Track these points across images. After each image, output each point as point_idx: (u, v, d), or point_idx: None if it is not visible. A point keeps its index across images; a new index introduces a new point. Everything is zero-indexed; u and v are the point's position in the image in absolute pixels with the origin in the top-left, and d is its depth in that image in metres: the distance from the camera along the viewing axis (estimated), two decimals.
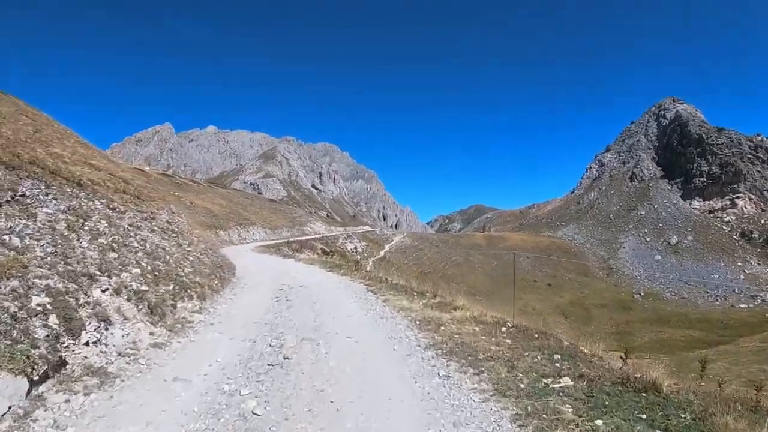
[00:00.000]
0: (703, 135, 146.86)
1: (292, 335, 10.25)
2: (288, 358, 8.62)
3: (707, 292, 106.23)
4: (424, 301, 14.15)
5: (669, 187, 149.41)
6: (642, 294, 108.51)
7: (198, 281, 14.59)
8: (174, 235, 19.01)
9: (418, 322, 11.50)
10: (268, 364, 8.29)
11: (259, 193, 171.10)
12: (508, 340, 9.33)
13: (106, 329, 8.70)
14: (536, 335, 9.93)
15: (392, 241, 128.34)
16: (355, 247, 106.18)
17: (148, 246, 14.50)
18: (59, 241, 10.06)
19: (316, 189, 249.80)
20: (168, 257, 14.95)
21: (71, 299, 8.39)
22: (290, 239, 69.56)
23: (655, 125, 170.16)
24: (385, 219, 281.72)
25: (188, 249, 18.37)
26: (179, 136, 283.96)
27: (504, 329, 10.58)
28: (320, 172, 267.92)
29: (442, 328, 10.72)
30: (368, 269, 35.92)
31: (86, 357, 7.71)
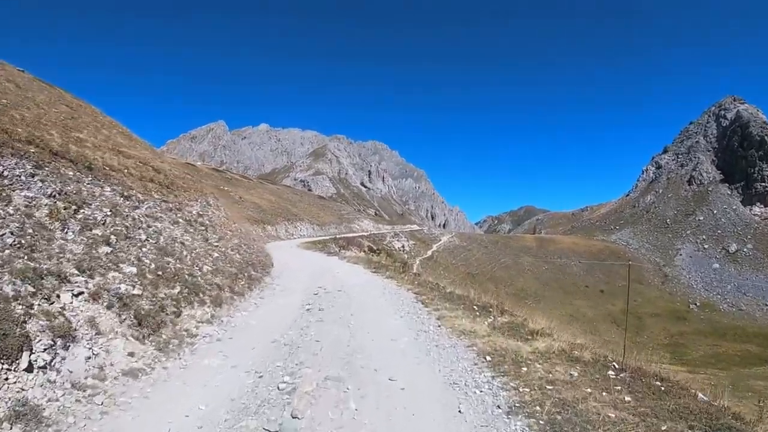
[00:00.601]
0: (765, 137, 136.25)
1: (314, 369, 7.64)
2: (297, 417, 5.83)
3: (766, 305, 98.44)
4: (490, 320, 11.04)
5: (729, 192, 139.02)
6: (698, 304, 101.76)
7: (217, 282, 12.33)
8: (202, 228, 16.88)
9: (488, 358, 8.38)
10: (265, 430, 5.66)
11: (309, 190, 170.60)
12: (627, 398, 6.26)
13: (65, 348, 6.40)
14: (662, 387, 6.90)
15: (440, 240, 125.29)
16: (403, 246, 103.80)
17: (162, 239, 12.34)
18: (30, 231, 7.90)
19: (365, 187, 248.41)
20: (185, 253, 12.77)
21: (18, 307, 6.08)
22: (337, 236, 68.12)
23: (714, 126, 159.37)
24: (433, 218, 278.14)
25: (216, 244, 16.17)
26: (232, 134, 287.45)
27: (611, 373, 7.67)
28: (369, 170, 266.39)
29: (524, 369, 7.74)
30: (416, 271, 33.26)
31: (22, 389, 5.46)
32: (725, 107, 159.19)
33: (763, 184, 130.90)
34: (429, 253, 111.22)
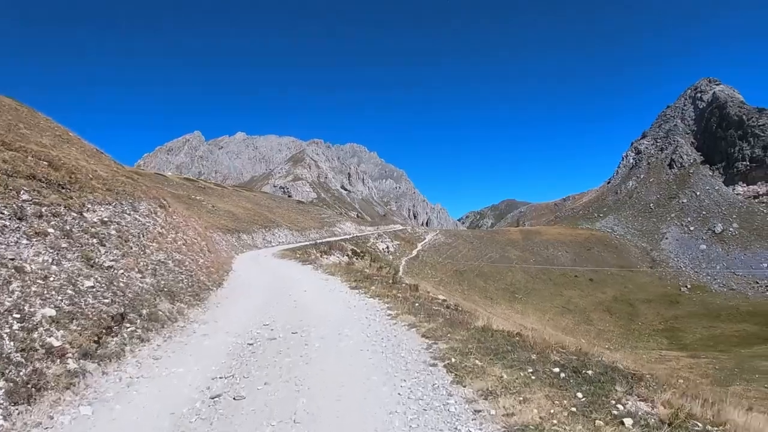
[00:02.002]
0: (744, 116, 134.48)
1: None
2: None
3: (756, 283, 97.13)
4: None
5: (710, 173, 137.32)
6: (688, 287, 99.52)
7: (47, 341, 6.45)
8: (94, 240, 11.22)
9: None
10: None
11: (289, 196, 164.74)
12: None
13: None
14: None
15: (425, 239, 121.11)
16: (387, 247, 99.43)
17: None
18: None
19: (346, 190, 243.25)
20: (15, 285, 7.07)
21: None
22: (318, 241, 64.02)
23: (691, 108, 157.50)
24: (415, 217, 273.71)
25: (109, 264, 10.52)
26: (209, 144, 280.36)
27: None
28: (349, 173, 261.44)
29: None
30: (410, 282, 27.77)
31: None
32: (701, 89, 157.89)
33: (744, 163, 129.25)
34: (414, 252, 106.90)
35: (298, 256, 36.54)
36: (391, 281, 16.21)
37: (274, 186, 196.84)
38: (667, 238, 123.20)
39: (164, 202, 24.74)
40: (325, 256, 53.26)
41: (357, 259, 65.92)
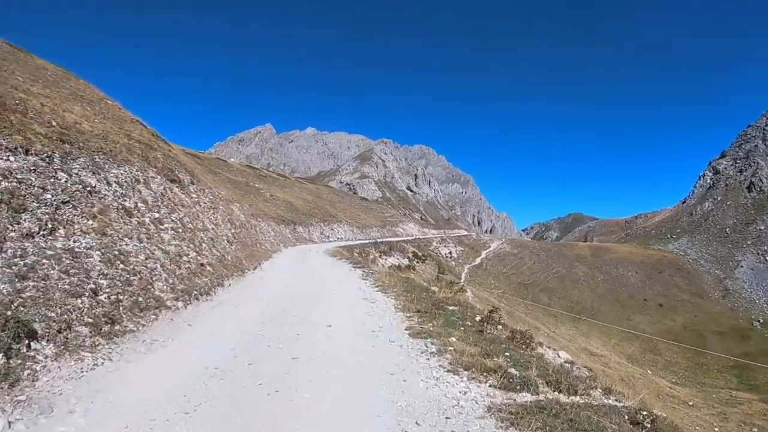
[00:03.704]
0: None
1: None
2: None
3: None
4: None
5: None
6: (761, 321, 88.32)
7: None
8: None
9: None
10: None
11: (355, 193, 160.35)
12: None
13: None
14: None
15: (490, 247, 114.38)
16: (450, 252, 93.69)
17: None
18: None
19: (411, 191, 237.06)
20: None
21: None
22: (378, 240, 60.18)
23: None
24: (479, 224, 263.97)
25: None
26: (280, 137, 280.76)
27: None
28: (415, 175, 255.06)
29: None
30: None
31: None
32: None
33: None
34: (478, 260, 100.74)
35: (351, 256, 31.01)
36: (481, 321, 9.67)
37: (341, 182, 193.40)
38: (741, 267, 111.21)
39: (180, 177, 19.22)
40: (383, 257, 47.97)
41: (418, 262, 60.34)
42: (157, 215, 12.90)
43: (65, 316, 6.51)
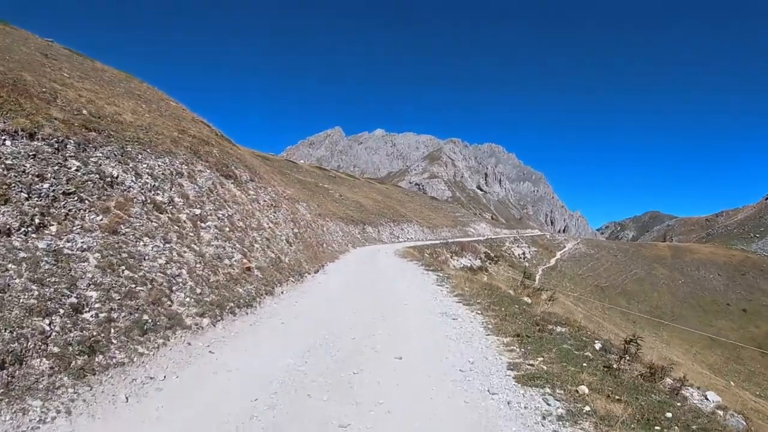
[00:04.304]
0: None
1: None
2: None
3: None
4: None
5: None
6: None
7: None
8: None
9: None
10: None
11: (424, 193, 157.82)
12: None
13: None
14: None
15: (564, 247, 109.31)
16: (524, 253, 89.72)
17: None
18: None
19: (481, 190, 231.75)
20: None
21: None
22: (449, 240, 58.46)
23: None
24: (552, 223, 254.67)
25: None
26: (349, 139, 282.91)
27: None
28: (485, 173, 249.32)
29: None
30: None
31: None
32: None
33: None
34: (552, 261, 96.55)
35: (422, 257, 28.71)
36: (603, 350, 6.99)
37: (410, 182, 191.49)
38: None
39: (236, 173, 17.46)
40: (455, 258, 45.63)
41: (490, 263, 57.49)
42: (198, 212, 10.94)
43: (16, 345, 4.43)
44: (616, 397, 4.90)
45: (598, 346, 7.16)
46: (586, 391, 5.12)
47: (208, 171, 14.36)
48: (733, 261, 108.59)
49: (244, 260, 10.32)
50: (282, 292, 10.83)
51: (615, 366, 6.09)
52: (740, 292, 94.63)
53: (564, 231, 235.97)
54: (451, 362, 6.64)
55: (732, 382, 52.41)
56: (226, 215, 12.40)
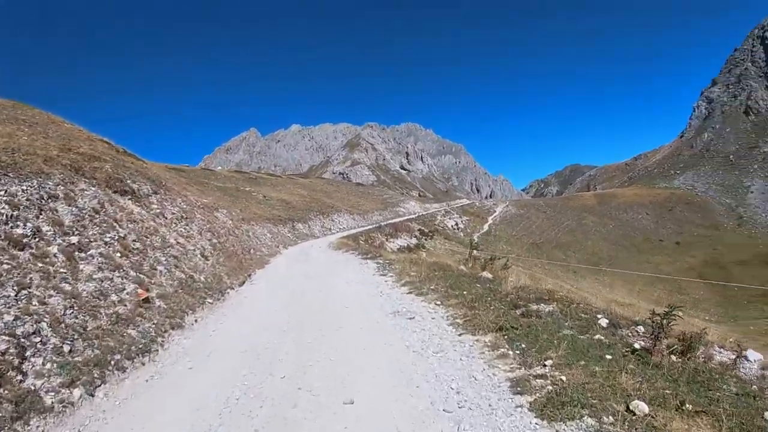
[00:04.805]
0: None
1: None
2: None
3: None
4: None
5: None
6: None
7: None
8: None
9: None
10: None
11: (350, 181, 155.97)
12: None
13: None
14: None
15: (495, 211, 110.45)
16: (456, 224, 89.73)
17: None
18: None
19: (405, 170, 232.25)
20: None
21: None
22: (382, 223, 57.36)
23: (761, 49, 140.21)
24: (478, 191, 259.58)
25: None
26: (266, 139, 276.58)
27: None
28: (407, 152, 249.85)
29: None
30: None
31: None
32: None
33: None
34: (485, 227, 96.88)
35: (358, 245, 27.14)
36: (612, 325, 5.43)
37: (333, 173, 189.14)
38: (752, 192, 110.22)
39: (134, 188, 15.14)
40: (390, 240, 44.48)
41: (426, 239, 56.83)
42: (76, 240, 8.74)
43: None
44: (694, 409, 3.39)
45: (604, 322, 5.74)
46: (645, 409, 3.59)
47: (94, 188, 12.06)
48: (658, 199, 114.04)
49: (140, 290, 8.26)
50: (195, 321, 8.80)
51: (644, 350, 4.60)
52: (670, 227, 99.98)
53: (491, 196, 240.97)
54: (428, 397, 4.80)
55: (680, 313, 54.26)
56: (117, 238, 10.21)
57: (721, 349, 5.63)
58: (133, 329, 7.07)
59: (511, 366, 5.19)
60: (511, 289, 7.92)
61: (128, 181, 15.70)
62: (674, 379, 4.10)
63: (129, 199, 14.25)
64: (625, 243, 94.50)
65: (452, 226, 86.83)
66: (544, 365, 4.93)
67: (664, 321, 5.19)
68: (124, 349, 6.46)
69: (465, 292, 7.93)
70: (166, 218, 15.58)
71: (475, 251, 16.17)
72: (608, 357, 4.70)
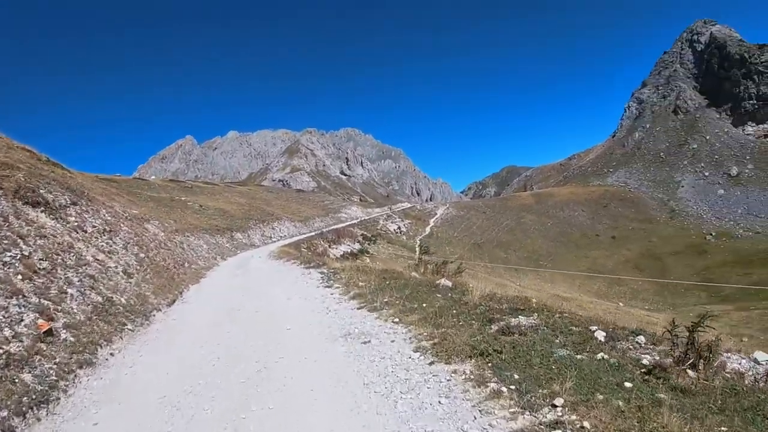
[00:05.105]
0: (745, 54, 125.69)
1: None
2: None
3: None
4: None
5: (717, 115, 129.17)
6: (713, 234, 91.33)
7: None
8: None
9: None
10: None
11: (289, 188, 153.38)
12: None
13: None
14: None
15: (436, 214, 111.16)
16: (399, 228, 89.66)
17: None
18: None
19: (345, 175, 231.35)
20: None
21: None
22: (324, 229, 56.30)
23: (689, 52, 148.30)
24: (419, 194, 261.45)
25: None
26: (203, 147, 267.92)
27: None
28: (347, 158, 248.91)
29: None
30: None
31: None
32: (697, 31, 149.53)
33: (752, 102, 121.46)
34: (427, 230, 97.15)
35: (300, 254, 25.96)
36: (608, 338, 4.52)
37: (273, 180, 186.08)
38: (683, 186, 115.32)
39: (48, 198, 13.58)
40: (333, 246, 43.44)
41: (369, 244, 56.01)
42: None
43: None
44: None
45: (601, 335, 4.89)
46: None
47: None
48: (593, 196, 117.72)
49: (41, 321, 6.88)
50: (111, 355, 7.41)
51: (658, 367, 3.74)
52: (606, 223, 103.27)
53: (431, 199, 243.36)
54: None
55: (620, 303, 55.82)
56: (19, 257, 8.75)
57: (728, 354, 4.99)
58: (29, 373, 5.68)
59: (511, 411, 4.01)
60: (479, 299, 6.96)
61: (42, 191, 14.05)
62: (721, 409, 3.33)
63: (42, 211, 12.70)
64: (564, 239, 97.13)
65: (395, 230, 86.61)
66: (554, 405, 3.87)
67: (694, 335, 4.36)
68: (13, 403, 5.12)
69: (425, 305, 6.88)
70: (86, 232, 14.01)
71: (425, 255, 15.29)
72: (627, 385, 3.83)
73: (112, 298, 10.11)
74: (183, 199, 59.56)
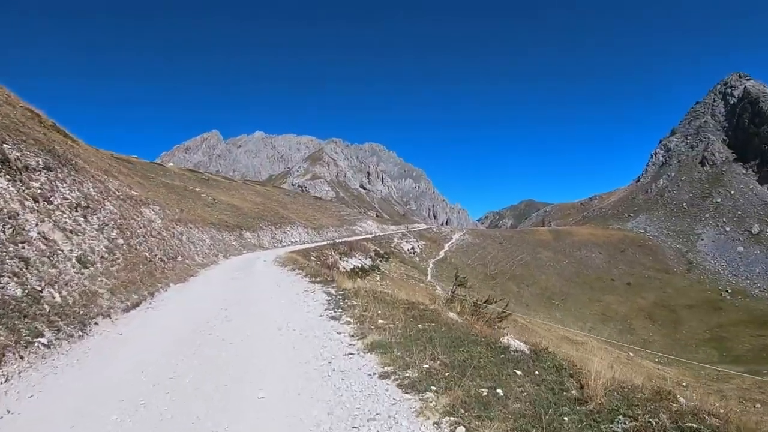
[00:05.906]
0: None
1: None
2: None
3: None
4: None
5: (744, 171, 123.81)
6: (729, 291, 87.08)
7: None
8: None
9: None
10: None
11: (306, 194, 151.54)
12: None
13: None
14: None
15: (451, 239, 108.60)
16: (413, 248, 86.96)
17: None
18: None
19: (365, 189, 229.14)
20: None
21: None
22: (337, 240, 53.25)
23: (722, 105, 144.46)
24: (435, 217, 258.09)
25: None
26: (227, 143, 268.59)
27: None
28: (368, 172, 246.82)
29: None
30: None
31: None
32: (731, 85, 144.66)
33: None
34: (441, 254, 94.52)
35: (308, 262, 23.20)
36: None
37: (293, 184, 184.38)
38: (702, 239, 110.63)
39: (15, 156, 10.88)
40: (345, 258, 40.72)
41: (381, 261, 53.34)
42: None
43: None
44: None
45: None
46: None
47: None
48: (611, 240, 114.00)
49: None
50: (4, 393, 4.51)
51: None
52: (622, 268, 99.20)
53: (447, 223, 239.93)
54: None
55: (630, 353, 52.71)
56: None
57: None
58: None
59: None
60: (603, 393, 3.78)
61: (6, 146, 11.41)
62: None
63: None
64: (578, 280, 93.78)
65: (408, 249, 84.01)
66: None
67: None
68: None
69: (500, 391, 3.57)
70: (49, 203, 11.26)
71: (460, 287, 12.16)
72: None
73: (40, 292, 7.28)
74: (197, 190, 57.53)
